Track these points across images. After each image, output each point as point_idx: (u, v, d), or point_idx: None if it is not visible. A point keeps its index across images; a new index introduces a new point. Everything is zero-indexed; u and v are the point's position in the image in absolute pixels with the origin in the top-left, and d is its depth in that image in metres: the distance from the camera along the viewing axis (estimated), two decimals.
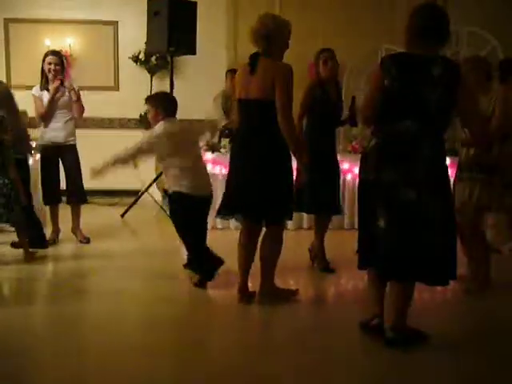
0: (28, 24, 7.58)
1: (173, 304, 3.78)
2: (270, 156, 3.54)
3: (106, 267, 4.58)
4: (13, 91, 4.97)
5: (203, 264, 4.09)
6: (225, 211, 3.78)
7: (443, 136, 3.04)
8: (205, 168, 4.37)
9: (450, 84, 2.91)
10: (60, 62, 5.13)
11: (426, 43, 2.97)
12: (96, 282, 4.27)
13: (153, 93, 4.17)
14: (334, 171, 4.54)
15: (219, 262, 4.08)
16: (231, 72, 6.92)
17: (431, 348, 3.07)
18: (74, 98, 5.09)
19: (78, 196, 5.23)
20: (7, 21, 7.61)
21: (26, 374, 2.81)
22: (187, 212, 4.03)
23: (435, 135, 2.96)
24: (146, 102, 4.22)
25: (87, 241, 5.26)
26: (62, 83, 5.06)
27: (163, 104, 4.10)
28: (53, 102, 5.05)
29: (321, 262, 4.56)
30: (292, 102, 3.51)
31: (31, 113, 5.39)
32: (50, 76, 5.09)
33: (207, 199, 4.14)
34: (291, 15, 6.55)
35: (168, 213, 6.20)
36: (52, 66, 5.07)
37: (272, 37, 3.50)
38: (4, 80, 7.44)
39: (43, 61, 5.13)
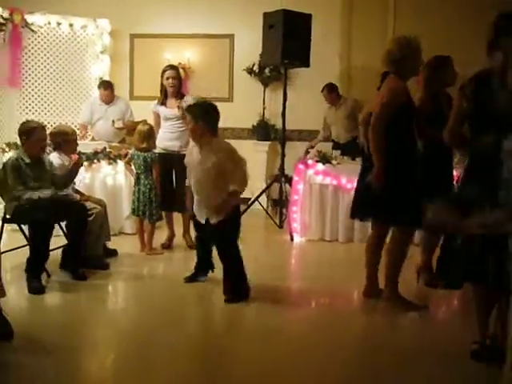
0: (151, 39, 7.99)
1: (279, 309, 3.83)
2: (394, 163, 3.66)
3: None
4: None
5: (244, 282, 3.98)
6: (359, 214, 3.99)
7: None
8: None
9: None
10: (177, 75, 5.35)
11: None
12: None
13: (196, 102, 3.96)
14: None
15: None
16: (328, 87, 6.93)
17: None
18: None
19: (182, 205, 5.31)
20: (132, 36, 8.08)
21: None
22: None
23: None
24: (185, 111, 3.93)
25: (193, 246, 5.42)
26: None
27: (205, 118, 3.74)
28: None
29: (425, 276, 4.29)
30: (383, 117, 3.61)
31: (150, 121, 5.60)
32: (170, 90, 5.32)
33: None
34: (406, 24, 6.46)
35: (277, 222, 6.41)
36: (170, 81, 5.30)
37: (397, 61, 3.70)
38: (127, 91, 7.97)
39: (162, 76, 5.36)
